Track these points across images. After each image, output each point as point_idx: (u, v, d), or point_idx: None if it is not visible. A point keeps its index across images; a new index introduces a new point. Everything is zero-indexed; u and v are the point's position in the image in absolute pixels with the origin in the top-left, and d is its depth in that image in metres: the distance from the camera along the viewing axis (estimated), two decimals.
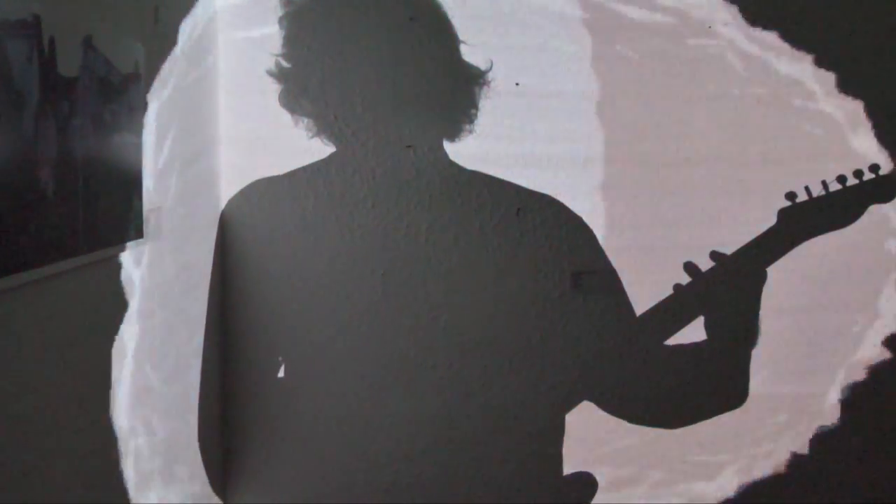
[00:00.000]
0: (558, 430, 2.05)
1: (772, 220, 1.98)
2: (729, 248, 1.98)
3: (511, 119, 1.99)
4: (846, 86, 1.95)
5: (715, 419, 2.05)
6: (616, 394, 2.05)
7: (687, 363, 2.01)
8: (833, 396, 2.05)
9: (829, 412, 2.06)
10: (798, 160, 1.98)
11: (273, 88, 1.99)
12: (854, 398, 2.05)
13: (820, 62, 1.95)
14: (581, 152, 1.99)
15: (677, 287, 1.97)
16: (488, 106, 1.99)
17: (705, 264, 1.98)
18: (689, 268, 1.97)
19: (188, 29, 1.81)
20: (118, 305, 1.48)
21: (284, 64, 1.99)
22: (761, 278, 1.98)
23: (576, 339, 2.03)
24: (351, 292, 2.03)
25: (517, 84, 1.98)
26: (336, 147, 2.00)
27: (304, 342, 2.04)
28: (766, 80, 1.96)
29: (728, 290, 1.98)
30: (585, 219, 2.00)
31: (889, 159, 1.97)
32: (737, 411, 2.04)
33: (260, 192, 2.02)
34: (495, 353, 2.04)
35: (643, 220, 2.01)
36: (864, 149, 1.97)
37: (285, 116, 2.00)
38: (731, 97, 1.97)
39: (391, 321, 2.03)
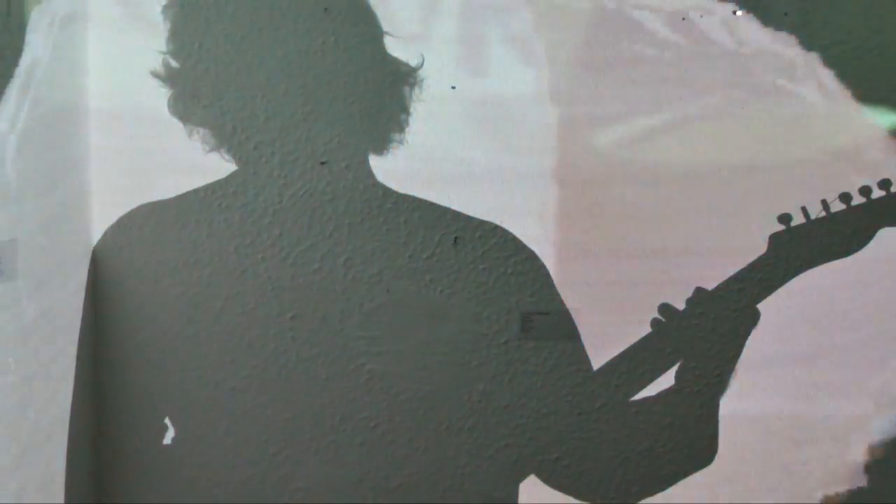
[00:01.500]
0: None
1: (763, 248, 1.67)
2: (712, 284, 1.67)
3: (447, 129, 1.67)
4: (850, 76, 1.64)
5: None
6: (571, 461, 1.72)
7: (655, 418, 1.70)
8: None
9: None
10: (795, 172, 1.66)
11: (161, 93, 1.66)
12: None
13: (810, 44, 1.63)
14: (531, 169, 1.67)
15: (654, 327, 1.67)
16: (420, 113, 1.67)
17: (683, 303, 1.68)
18: (665, 310, 1.66)
19: (46, 20, 1.50)
20: None
21: (173, 64, 1.66)
22: (751, 318, 1.67)
23: (525, 395, 1.71)
24: (254, 340, 1.70)
25: (453, 87, 1.66)
26: (236, 164, 1.67)
27: (196, 401, 1.71)
28: (751, 79, 1.64)
29: (710, 333, 1.67)
30: (536, 249, 1.68)
31: None
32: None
33: (142, 221, 1.69)
34: (428, 412, 1.71)
35: (605, 249, 1.69)
36: (876, 158, 1.65)
37: (176, 127, 1.67)
38: (712, 101, 1.66)
39: (303, 373, 1.71)
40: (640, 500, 1.73)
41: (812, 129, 1.66)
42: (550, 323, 1.69)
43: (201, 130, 1.66)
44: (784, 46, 1.64)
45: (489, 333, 1.70)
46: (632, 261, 1.68)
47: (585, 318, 1.70)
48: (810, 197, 1.66)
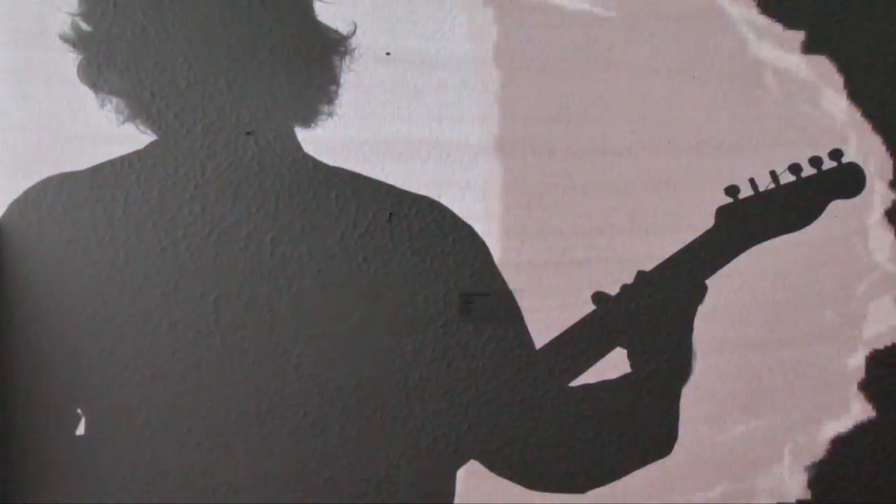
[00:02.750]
0: (446, 496, 1.62)
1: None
2: (660, 261, 1.59)
3: (380, 98, 1.56)
4: (813, 44, 1.56)
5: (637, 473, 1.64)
6: (514, 450, 1.62)
7: (602, 405, 1.60)
8: (787, 461, 1.66)
9: (781, 484, 1.66)
10: (748, 143, 1.58)
11: (70, 57, 1.53)
12: (819, 475, 1.65)
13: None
14: (471, 139, 1.56)
15: (598, 305, 1.58)
16: (352, 81, 1.56)
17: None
18: (598, 298, 1.58)
19: None
20: None
21: (83, 26, 1.53)
22: (698, 293, 1.58)
23: (464, 380, 1.60)
24: (174, 323, 1.58)
25: (388, 53, 1.55)
26: (155, 134, 1.55)
27: (112, 389, 1.58)
28: (704, 45, 1.55)
29: (655, 313, 1.58)
30: (477, 226, 1.58)
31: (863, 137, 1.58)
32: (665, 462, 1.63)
33: (52, 194, 1.56)
34: (362, 399, 1.60)
35: (550, 226, 1.58)
36: (834, 124, 1.57)
37: (87, 94, 1.54)
38: (664, 68, 1.56)
39: (227, 360, 1.58)
40: (589, 489, 1.64)
41: (764, 99, 1.57)
42: (491, 304, 1.59)
43: (115, 100, 1.54)
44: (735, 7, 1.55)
45: (426, 316, 1.59)
46: (577, 238, 1.59)
47: (529, 300, 1.60)
48: (761, 170, 1.58)
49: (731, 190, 1.56)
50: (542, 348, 1.59)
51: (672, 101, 1.57)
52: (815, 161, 1.56)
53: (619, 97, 1.57)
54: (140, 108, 1.55)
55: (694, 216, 1.58)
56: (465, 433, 1.61)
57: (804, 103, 1.57)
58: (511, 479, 1.62)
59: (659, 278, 1.57)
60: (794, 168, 1.55)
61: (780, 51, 1.56)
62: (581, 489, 1.63)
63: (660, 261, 1.58)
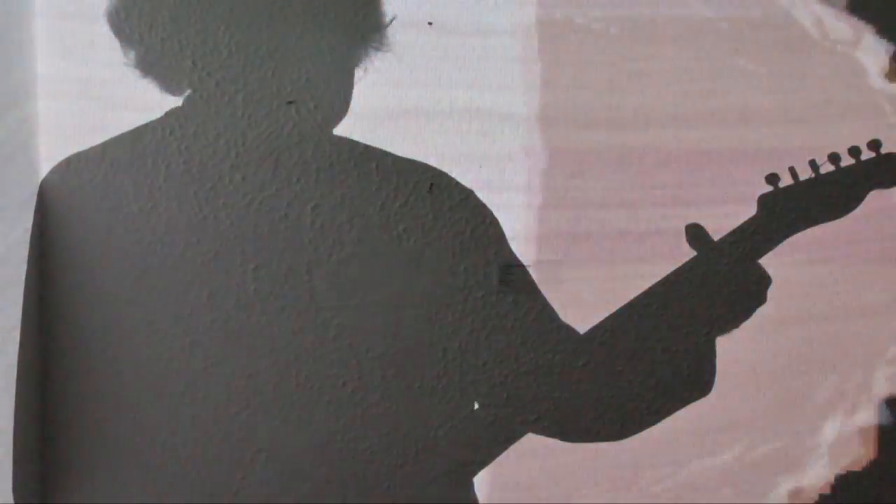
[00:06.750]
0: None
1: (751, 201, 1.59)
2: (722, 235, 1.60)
3: (422, 67, 1.56)
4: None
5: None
6: (553, 418, 1.63)
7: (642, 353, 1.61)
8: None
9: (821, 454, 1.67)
10: (791, 116, 1.58)
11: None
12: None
13: None
14: (513, 109, 1.57)
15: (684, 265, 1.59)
16: (394, 51, 1.56)
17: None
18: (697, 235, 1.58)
19: None
20: None
21: None
22: (763, 279, 1.59)
23: (503, 350, 1.61)
24: (214, 292, 1.58)
25: (430, 23, 1.55)
26: (194, 100, 1.55)
27: (151, 357, 1.59)
28: (748, 17, 1.55)
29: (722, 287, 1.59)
30: (517, 197, 1.58)
31: None
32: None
33: (93, 160, 1.56)
34: (400, 369, 1.60)
35: (590, 197, 1.59)
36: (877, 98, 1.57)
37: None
38: (708, 40, 1.55)
39: (266, 329, 1.59)
40: (628, 435, 1.64)
41: (808, 72, 1.57)
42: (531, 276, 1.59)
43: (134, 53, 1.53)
44: None
45: (466, 286, 1.59)
46: (618, 210, 1.59)
47: (567, 271, 1.60)
48: (803, 144, 1.58)
49: (772, 178, 1.56)
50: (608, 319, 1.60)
51: (715, 73, 1.56)
52: (854, 151, 1.56)
53: (662, 68, 1.56)
54: (182, 76, 1.54)
55: (736, 189, 1.58)
56: (503, 404, 1.61)
57: (849, 76, 1.57)
58: (546, 434, 1.62)
59: (718, 254, 1.58)
60: (833, 157, 1.56)
61: (825, 17, 1.56)
62: (619, 437, 1.63)
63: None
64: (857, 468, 1.67)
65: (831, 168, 1.57)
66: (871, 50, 1.58)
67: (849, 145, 1.58)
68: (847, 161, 1.57)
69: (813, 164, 1.57)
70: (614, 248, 1.59)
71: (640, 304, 1.60)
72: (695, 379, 1.62)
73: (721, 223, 1.60)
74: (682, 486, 1.66)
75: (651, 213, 1.59)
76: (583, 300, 1.60)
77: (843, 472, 1.67)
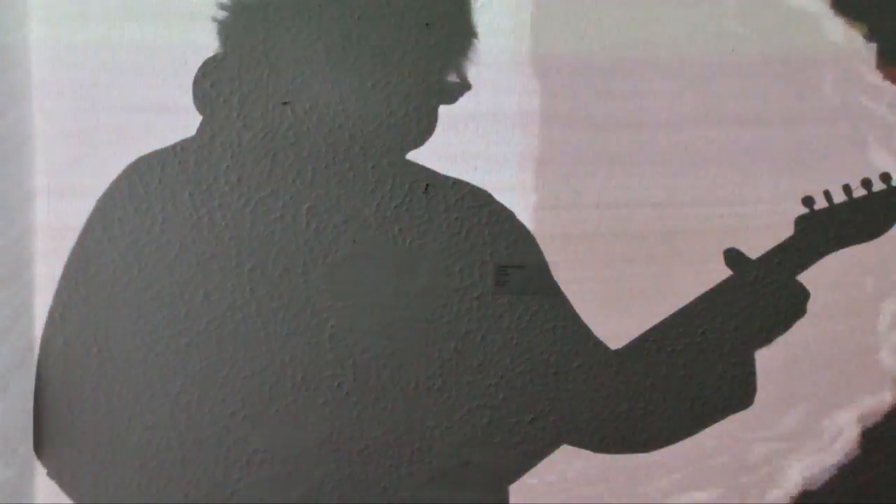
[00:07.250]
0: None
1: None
2: (702, 236, 1.59)
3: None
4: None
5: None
6: (547, 425, 1.63)
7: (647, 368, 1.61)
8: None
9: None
10: (789, 119, 1.59)
11: (112, 24, 1.54)
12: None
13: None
14: (507, 110, 1.56)
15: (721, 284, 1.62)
16: (389, 53, 1.56)
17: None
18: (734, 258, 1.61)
19: None
20: None
21: None
22: (802, 293, 1.63)
23: (499, 351, 1.61)
24: (209, 292, 1.58)
25: (427, 25, 1.55)
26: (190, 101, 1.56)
27: (146, 357, 1.59)
28: (746, 19, 1.55)
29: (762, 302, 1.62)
30: (512, 197, 1.59)
31: None
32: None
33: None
34: (396, 370, 1.61)
35: (585, 198, 1.59)
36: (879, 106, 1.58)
37: (128, 59, 1.55)
38: (705, 40, 1.56)
39: (262, 330, 1.59)
40: (656, 448, 1.65)
41: (809, 75, 1.57)
42: (526, 277, 1.59)
43: None
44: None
45: (461, 287, 1.60)
46: (612, 211, 1.59)
47: (562, 272, 1.60)
48: (802, 145, 1.58)
49: (808, 200, 1.60)
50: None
51: (712, 74, 1.56)
52: (886, 177, 1.61)
53: (658, 69, 1.56)
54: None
55: (732, 191, 1.58)
56: (498, 405, 1.62)
57: (851, 80, 1.57)
58: (580, 446, 1.64)
59: (757, 272, 1.61)
60: (866, 182, 1.60)
61: (823, 20, 1.57)
62: (653, 448, 1.65)
63: (700, 235, 1.60)
64: (856, 468, 1.67)
65: (863, 192, 1.61)
66: (865, 50, 1.58)
67: (845, 146, 1.59)
68: (878, 186, 1.61)
69: (846, 189, 1.61)
70: (610, 249, 1.59)
71: (679, 320, 1.62)
72: (737, 391, 1.64)
73: (718, 224, 1.60)
74: (682, 485, 1.66)
75: (648, 214, 1.59)
76: (580, 301, 1.60)
77: (842, 469, 1.67)
